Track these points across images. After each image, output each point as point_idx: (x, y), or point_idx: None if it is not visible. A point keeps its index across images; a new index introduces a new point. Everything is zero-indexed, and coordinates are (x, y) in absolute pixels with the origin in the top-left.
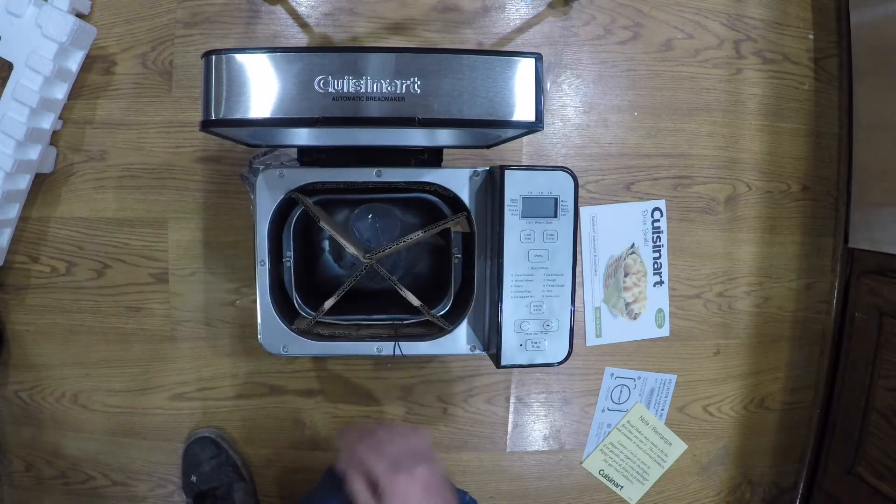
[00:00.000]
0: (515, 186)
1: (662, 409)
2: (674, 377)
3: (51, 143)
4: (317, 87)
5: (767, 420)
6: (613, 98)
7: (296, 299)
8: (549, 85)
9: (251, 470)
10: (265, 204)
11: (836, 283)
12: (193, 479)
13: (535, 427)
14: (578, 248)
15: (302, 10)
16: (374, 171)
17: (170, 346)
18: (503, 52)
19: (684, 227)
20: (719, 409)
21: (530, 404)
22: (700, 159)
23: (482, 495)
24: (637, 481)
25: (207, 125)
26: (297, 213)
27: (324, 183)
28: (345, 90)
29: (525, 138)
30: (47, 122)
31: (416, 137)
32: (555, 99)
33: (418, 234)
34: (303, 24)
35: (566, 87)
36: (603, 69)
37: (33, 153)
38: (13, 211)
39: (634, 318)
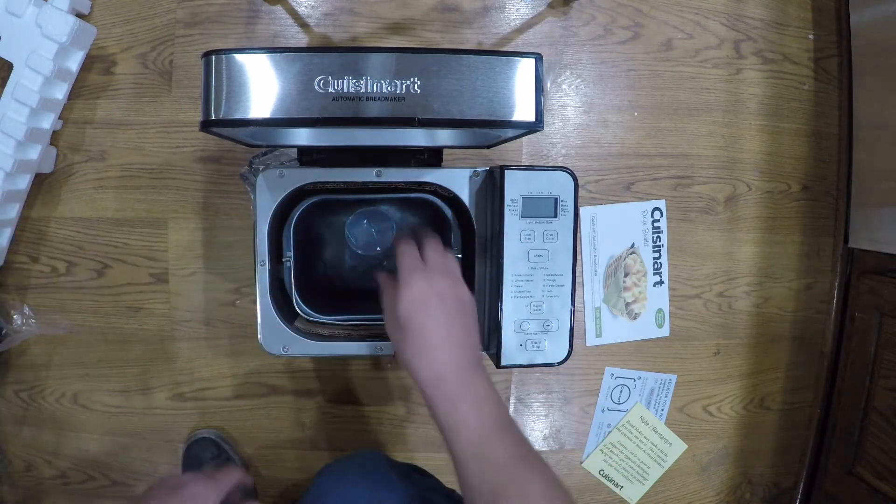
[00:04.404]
0: (515, 186)
1: (662, 409)
2: (674, 377)
3: (51, 143)
4: (317, 88)
5: (767, 420)
6: (613, 98)
7: (296, 299)
8: (549, 85)
9: (251, 470)
10: (265, 204)
11: (836, 283)
12: None
13: (535, 427)
14: (578, 248)
15: (302, 10)
16: (374, 171)
17: (169, 346)
18: (503, 52)
19: (684, 227)
20: (719, 409)
21: (530, 404)
22: (700, 159)
23: None
24: (637, 481)
25: (207, 125)
26: (297, 213)
27: (324, 183)
28: (345, 90)
29: (525, 138)
30: (47, 122)
31: (416, 137)
32: (555, 99)
33: None
34: (303, 24)
35: (566, 87)
36: (603, 69)
37: (33, 153)
38: (13, 211)
39: (634, 318)
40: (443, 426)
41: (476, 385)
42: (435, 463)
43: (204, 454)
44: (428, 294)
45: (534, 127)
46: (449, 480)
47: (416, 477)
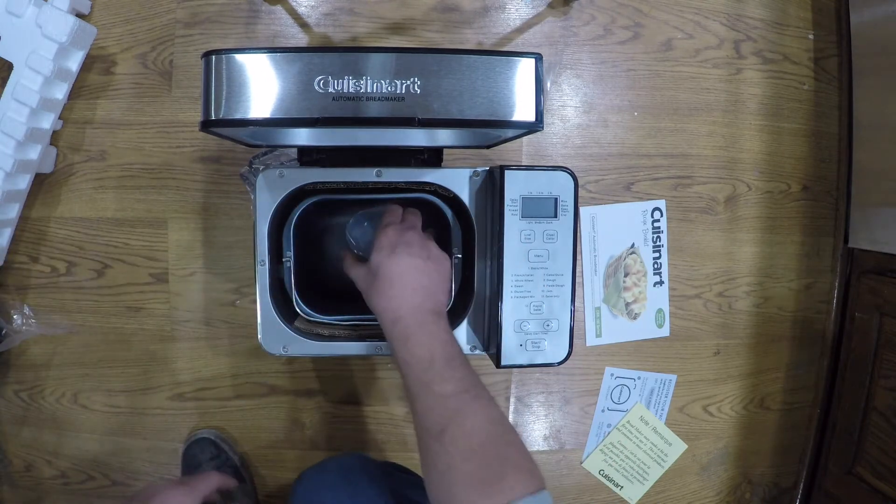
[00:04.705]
0: (515, 186)
1: (662, 409)
2: (674, 377)
3: (51, 143)
4: (317, 88)
5: (767, 420)
6: (613, 98)
7: (296, 299)
8: (549, 85)
9: (251, 470)
10: (265, 204)
11: (836, 283)
12: None
13: (535, 427)
14: (578, 248)
15: (302, 10)
16: (374, 171)
17: (170, 346)
18: (503, 52)
19: (684, 227)
20: (719, 409)
21: (530, 404)
22: (700, 159)
23: None
24: (637, 481)
25: (207, 125)
26: (297, 213)
27: (324, 183)
28: (345, 90)
29: (525, 138)
30: (47, 122)
31: (416, 137)
32: (555, 99)
33: None
34: (303, 24)
35: (566, 87)
36: (603, 69)
37: (33, 153)
38: (13, 211)
39: (634, 318)
40: (398, 363)
41: (431, 326)
42: None
43: (203, 454)
44: (397, 243)
45: (534, 127)
46: None
47: (397, 475)
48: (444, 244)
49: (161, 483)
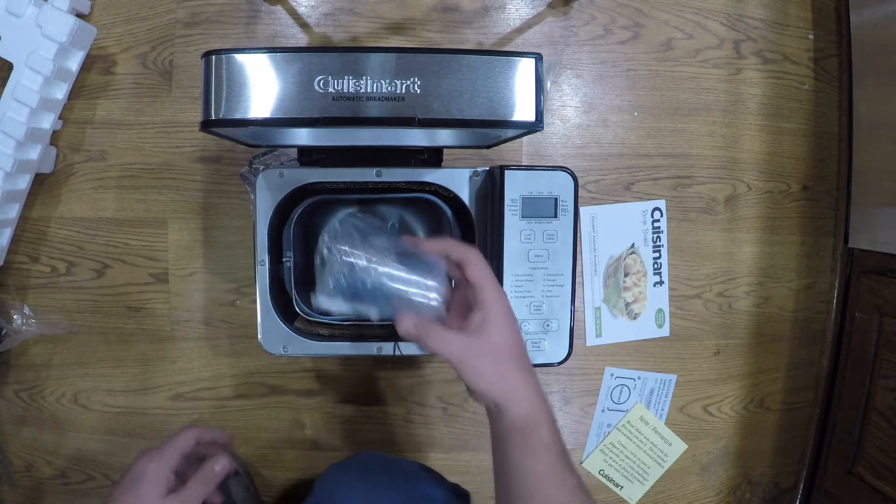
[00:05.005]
0: (515, 186)
1: (662, 409)
2: (674, 377)
3: (51, 143)
4: (317, 87)
5: (767, 420)
6: (613, 98)
7: (295, 299)
8: (549, 85)
9: (247, 468)
10: (265, 204)
11: (836, 283)
12: None
13: None
14: (578, 248)
15: (302, 10)
16: (374, 171)
17: (170, 346)
18: (503, 52)
19: (684, 227)
20: (719, 409)
21: None
22: (700, 159)
23: (483, 495)
24: (637, 481)
25: (207, 125)
26: (297, 213)
27: (324, 183)
28: (345, 90)
29: (525, 138)
30: (47, 122)
31: (416, 137)
32: (555, 99)
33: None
34: (303, 24)
35: (566, 87)
36: (603, 69)
37: (33, 153)
38: (13, 211)
39: (634, 318)
40: (526, 449)
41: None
42: (433, 463)
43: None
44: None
45: (534, 127)
46: (464, 481)
47: (421, 475)
48: None
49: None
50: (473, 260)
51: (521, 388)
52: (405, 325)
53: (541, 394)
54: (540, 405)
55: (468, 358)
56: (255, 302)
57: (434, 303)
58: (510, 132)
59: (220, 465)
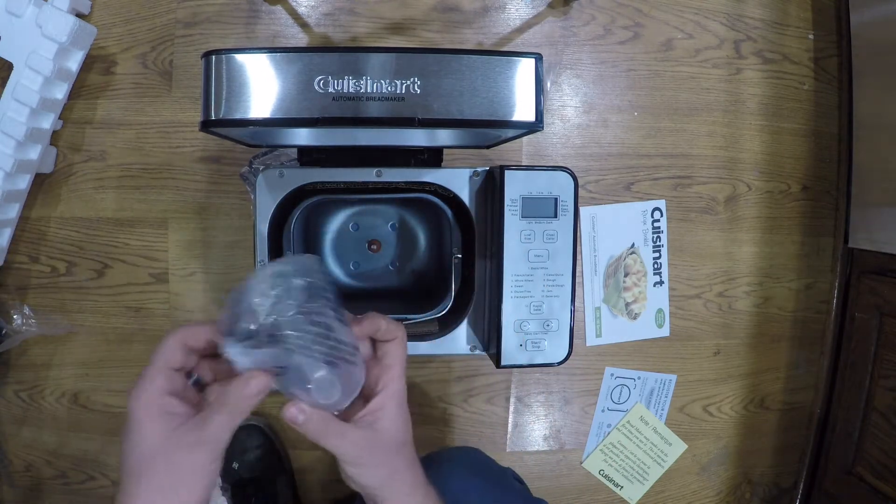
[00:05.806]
0: (515, 186)
1: (662, 409)
2: (674, 377)
3: (51, 143)
4: (317, 88)
5: (767, 420)
6: (613, 98)
7: None
8: (549, 85)
9: (292, 467)
10: (265, 204)
11: (836, 283)
12: (235, 465)
13: (534, 427)
14: (578, 248)
15: (302, 10)
16: (374, 171)
17: None
18: (503, 52)
19: (684, 227)
20: (719, 409)
21: (530, 404)
22: (700, 159)
23: None
24: (637, 481)
25: (207, 125)
26: (297, 213)
27: (324, 183)
28: (345, 90)
29: (525, 138)
30: (47, 122)
31: (416, 137)
32: (555, 99)
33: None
34: (303, 24)
35: (566, 87)
36: (603, 69)
37: (33, 153)
38: (13, 211)
39: (634, 318)
40: None
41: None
42: None
43: (250, 441)
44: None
45: (534, 127)
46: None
47: (513, 482)
48: (444, 244)
49: None
50: (400, 337)
51: (406, 485)
52: (291, 414)
53: (425, 487)
54: (420, 501)
55: (363, 454)
56: None
57: (358, 364)
58: (510, 132)
59: (256, 384)
